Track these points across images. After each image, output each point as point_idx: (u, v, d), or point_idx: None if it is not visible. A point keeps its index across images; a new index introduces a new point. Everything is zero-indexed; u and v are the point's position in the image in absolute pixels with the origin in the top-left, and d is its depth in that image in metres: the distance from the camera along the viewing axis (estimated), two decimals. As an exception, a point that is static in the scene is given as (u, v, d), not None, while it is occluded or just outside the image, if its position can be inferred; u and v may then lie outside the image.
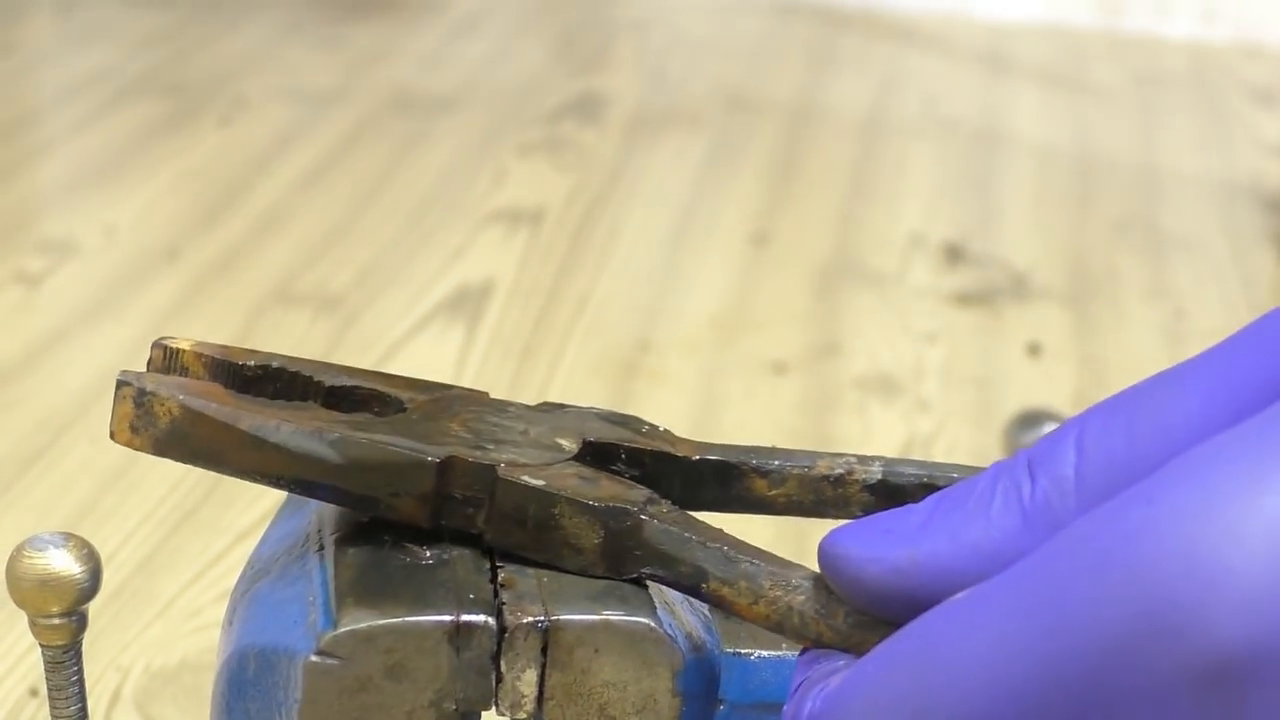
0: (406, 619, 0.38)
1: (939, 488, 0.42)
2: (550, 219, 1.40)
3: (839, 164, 1.58)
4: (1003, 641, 0.31)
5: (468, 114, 1.64)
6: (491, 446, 0.41)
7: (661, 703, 0.39)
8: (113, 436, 0.41)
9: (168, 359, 0.43)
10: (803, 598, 0.37)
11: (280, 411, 0.41)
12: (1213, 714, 0.29)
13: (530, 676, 0.39)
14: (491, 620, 0.39)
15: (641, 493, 0.41)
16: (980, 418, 1.10)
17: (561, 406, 0.45)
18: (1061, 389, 1.15)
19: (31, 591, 0.42)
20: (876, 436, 1.06)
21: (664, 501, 0.41)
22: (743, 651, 0.43)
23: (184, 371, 0.43)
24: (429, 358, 1.14)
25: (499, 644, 0.39)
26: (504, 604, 0.39)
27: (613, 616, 0.39)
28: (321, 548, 0.41)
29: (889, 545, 0.35)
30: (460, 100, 1.67)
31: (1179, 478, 0.30)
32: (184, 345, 0.43)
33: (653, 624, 0.39)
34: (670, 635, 0.39)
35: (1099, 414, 0.34)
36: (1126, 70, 1.88)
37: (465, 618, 0.38)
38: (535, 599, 0.39)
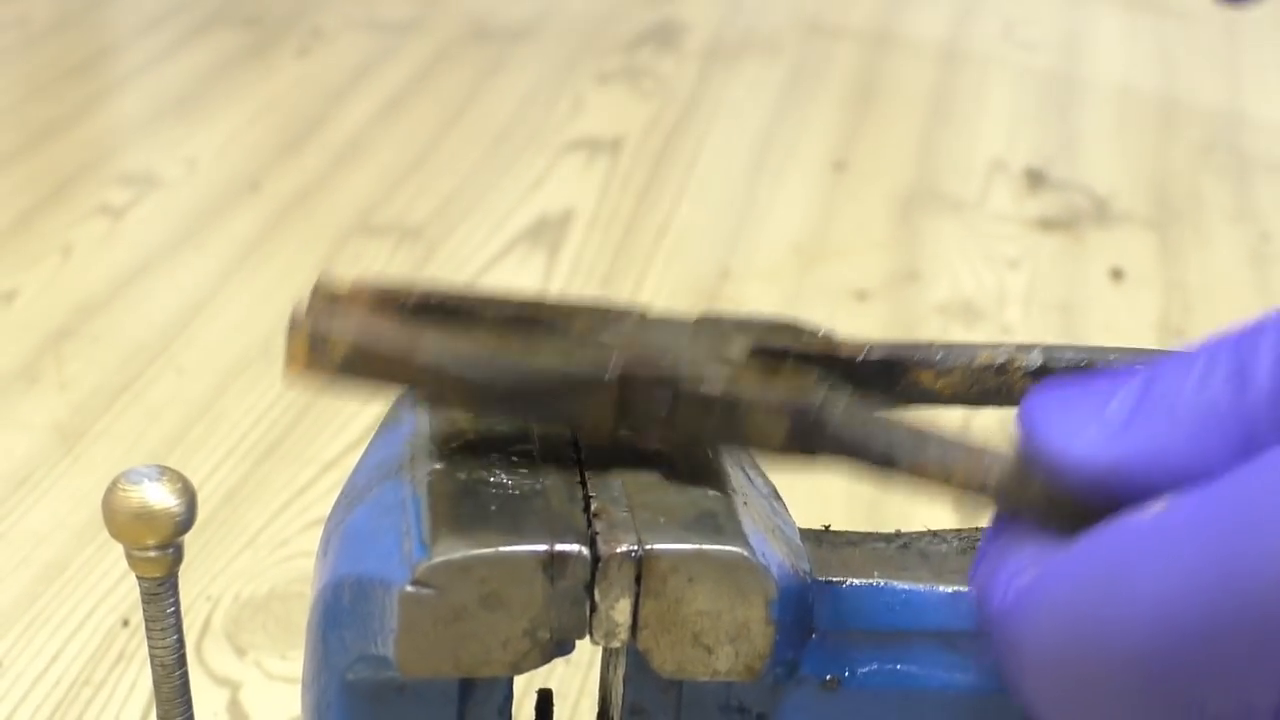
0: (501, 549, 0.38)
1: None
2: (629, 147, 1.40)
3: (918, 90, 1.57)
4: (1183, 577, 0.31)
5: (545, 43, 1.63)
6: (665, 357, 0.41)
7: (755, 631, 0.39)
8: (288, 371, 0.41)
9: (331, 299, 0.43)
10: (998, 469, 0.37)
11: (453, 337, 0.41)
12: None
13: (624, 606, 0.39)
14: (585, 550, 0.39)
15: (820, 386, 0.40)
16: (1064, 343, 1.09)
17: (721, 316, 0.45)
18: (1145, 314, 1.14)
19: (128, 524, 0.43)
20: (959, 363, 1.05)
21: (843, 390, 0.40)
22: (835, 579, 0.43)
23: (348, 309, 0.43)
24: (510, 287, 1.14)
25: (593, 573, 0.39)
26: (597, 533, 0.39)
27: (706, 546, 0.39)
28: (415, 477, 0.41)
29: (1091, 445, 0.35)
30: (537, 29, 1.66)
31: None
32: (345, 284, 0.43)
33: (746, 553, 0.39)
34: (764, 564, 0.39)
35: None
36: (1209, -9, 1.85)
37: (559, 547, 0.38)
38: (629, 528, 0.39)
